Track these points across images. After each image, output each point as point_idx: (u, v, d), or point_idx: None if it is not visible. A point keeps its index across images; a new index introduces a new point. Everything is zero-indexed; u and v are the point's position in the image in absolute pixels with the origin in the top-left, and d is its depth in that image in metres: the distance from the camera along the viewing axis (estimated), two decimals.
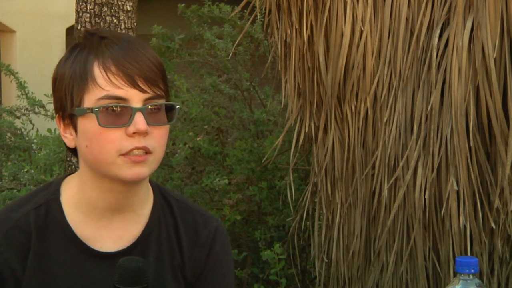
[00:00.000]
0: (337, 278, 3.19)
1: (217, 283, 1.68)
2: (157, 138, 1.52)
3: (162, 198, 1.66)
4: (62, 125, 1.56)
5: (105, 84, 1.49)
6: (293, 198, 3.42)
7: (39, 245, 1.54)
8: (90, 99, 1.49)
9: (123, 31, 3.28)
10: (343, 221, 3.12)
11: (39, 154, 4.34)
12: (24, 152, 4.43)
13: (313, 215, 3.43)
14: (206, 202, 4.07)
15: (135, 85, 1.49)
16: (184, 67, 4.91)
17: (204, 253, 1.66)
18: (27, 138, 4.64)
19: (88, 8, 3.27)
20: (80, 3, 3.30)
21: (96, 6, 3.26)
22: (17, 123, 4.80)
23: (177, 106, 1.56)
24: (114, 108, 1.48)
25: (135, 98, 1.49)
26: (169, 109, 1.56)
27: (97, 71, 1.49)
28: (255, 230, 3.99)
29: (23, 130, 4.73)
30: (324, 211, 3.21)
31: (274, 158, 3.82)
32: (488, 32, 2.68)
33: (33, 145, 4.62)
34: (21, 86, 4.72)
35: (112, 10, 3.27)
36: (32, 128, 4.74)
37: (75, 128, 1.54)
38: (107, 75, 1.49)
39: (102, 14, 3.26)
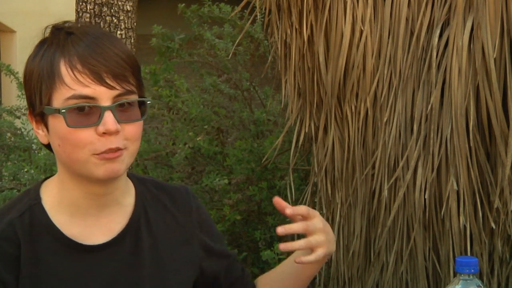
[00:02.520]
0: (337, 278, 3.19)
1: (218, 237, 1.72)
2: (130, 134, 1.47)
3: (141, 184, 1.64)
4: (34, 121, 1.54)
5: (72, 83, 1.44)
6: (293, 198, 3.41)
7: (30, 252, 1.50)
8: (58, 99, 1.45)
9: (123, 31, 3.28)
10: (343, 221, 3.12)
11: (39, 154, 4.33)
12: (24, 152, 4.43)
13: None
14: (206, 202, 4.06)
15: (102, 82, 1.44)
16: (184, 67, 4.91)
17: (198, 218, 1.67)
18: (27, 138, 4.64)
19: (88, 8, 3.27)
20: (80, 3, 3.30)
21: (96, 6, 3.27)
22: (17, 123, 4.80)
23: (148, 102, 1.51)
24: (82, 108, 1.44)
25: (104, 96, 1.44)
26: (142, 104, 1.51)
27: (64, 70, 1.45)
28: (255, 230, 3.98)
29: (23, 130, 4.73)
30: (324, 211, 3.21)
31: (274, 158, 3.82)
32: (488, 32, 2.68)
33: (33, 145, 4.61)
34: (21, 86, 4.72)
35: (112, 10, 3.27)
36: (32, 128, 4.73)
37: (46, 126, 1.51)
38: (73, 74, 1.44)
39: (102, 14, 3.26)
